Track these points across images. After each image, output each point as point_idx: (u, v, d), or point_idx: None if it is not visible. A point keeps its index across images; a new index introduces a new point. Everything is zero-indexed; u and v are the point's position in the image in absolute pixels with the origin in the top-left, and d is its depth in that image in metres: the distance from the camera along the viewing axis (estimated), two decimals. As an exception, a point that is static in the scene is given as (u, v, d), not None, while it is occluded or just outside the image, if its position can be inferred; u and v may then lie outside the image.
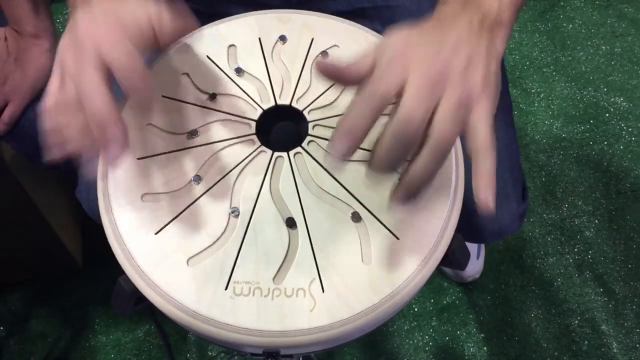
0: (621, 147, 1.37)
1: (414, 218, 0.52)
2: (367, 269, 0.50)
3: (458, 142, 0.55)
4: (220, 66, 0.58)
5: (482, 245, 1.21)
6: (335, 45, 0.59)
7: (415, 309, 1.20)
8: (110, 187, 0.53)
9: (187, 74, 0.58)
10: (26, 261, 1.18)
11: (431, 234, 0.51)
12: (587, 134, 1.40)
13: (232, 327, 0.48)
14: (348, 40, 0.59)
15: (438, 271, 1.22)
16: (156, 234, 0.51)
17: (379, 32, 0.60)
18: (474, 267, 1.18)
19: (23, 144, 0.82)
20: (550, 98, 1.45)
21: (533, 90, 1.46)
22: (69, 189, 1.18)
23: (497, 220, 0.73)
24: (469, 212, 0.72)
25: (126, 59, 0.46)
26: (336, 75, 0.47)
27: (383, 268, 0.50)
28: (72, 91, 0.46)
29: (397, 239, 0.51)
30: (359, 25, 0.60)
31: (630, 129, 1.40)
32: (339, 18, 0.61)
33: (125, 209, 0.52)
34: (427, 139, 0.43)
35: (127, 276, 0.52)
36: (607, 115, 1.42)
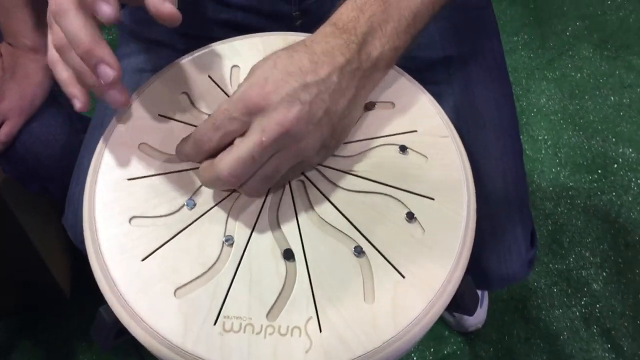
0: (630, 199, 1.34)
1: (421, 255, 0.48)
2: (369, 308, 0.46)
3: (471, 183, 0.52)
4: (222, 87, 0.55)
5: (485, 294, 1.17)
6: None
7: (414, 358, 1.14)
8: (97, 208, 0.49)
9: (186, 93, 0.55)
10: (12, 290, 1.14)
11: (439, 274, 0.47)
12: (595, 184, 1.37)
13: (220, 366, 0.44)
14: None
15: (439, 319, 1.17)
16: (143, 260, 0.47)
17: None
18: (477, 316, 1.14)
19: (16, 166, 0.79)
20: (557, 146, 1.43)
21: (540, 137, 1.44)
22: (60, 218, 1.15)
23: (505, 265, 0.69)
24: (475, 256, 0.69)
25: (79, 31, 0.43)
26: None
27: (386, 308, 0.46)
28: (60, 31, 0.44)
29: (403, 277, 0.47)
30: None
31: (639, 181, 1.37)
32: None
33: (111, 232, 0.48)
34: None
35: (108, 306, 0.48)
36: (615, 166, 1.39)
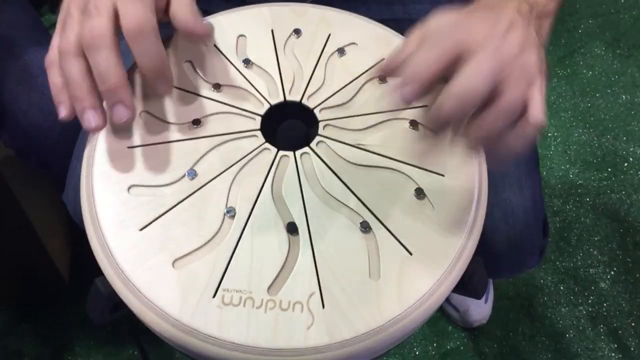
0: (640, 198, 1.32)
1: (430, 232, 0.46)
2: (374, 285, 0.44)
3: (482, 159, 0.50)
4: (227, 56, 0.53)
5: (491, 289, 1.15)
6: (353, 43, 0.54)
7: (417, 352, 1.13)
8: (95, 177, 0.48)
9: (191, 62, 0.53)
10: (10, 273, 1.12)
11: (448, 252, 0.46)
12: (605, 182, 1.34)
13: (217, 340, 0.42)
14: (368, 39, 0.55)
15: (442, 313, 1.16)
16: (141, 230, 0.45)
17: (399, 16, 0.57)
18: (482, 311, 1.12)
19: (15, 137, 0.78)
20: (567, 143, 1.41)
21: (550, 134, 1.42)
22: (61, 200, 1.14)
23: (516, 252, 0.68)
24: (486, 242, 0.67)
25: (142, 14, 0.43)
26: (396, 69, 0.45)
27: (392, 285, 0.44)
28: (72, 36, 0.44)
29: (410, 254, 0.45)
30: (382, 25, 0.56)
31: (649, 181, 1.35)
32: (359, 15, 0.56)
33: (109, 200, 0.46)
34: (492, 102, 0.42)
35: (104, 277, 0.46)
36: (625, 164, 1.37)
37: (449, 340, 1.14)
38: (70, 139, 0.71)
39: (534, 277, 1.21)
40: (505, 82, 0.41)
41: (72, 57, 0.43)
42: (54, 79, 0.45)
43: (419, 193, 0.47)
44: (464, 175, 0.48)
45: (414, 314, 0.43)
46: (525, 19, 0.45)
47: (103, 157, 0.48)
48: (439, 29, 0.44)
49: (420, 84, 0.42)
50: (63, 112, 0.45)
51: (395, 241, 0.46)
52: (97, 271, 0.48)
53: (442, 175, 0.48)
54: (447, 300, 1.13)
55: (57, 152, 0.79)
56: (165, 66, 0.46)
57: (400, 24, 0.58)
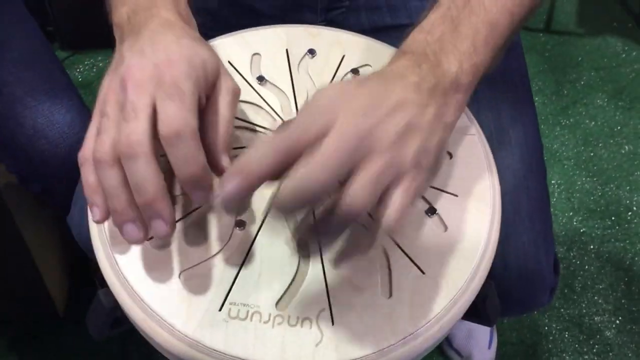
0: (644, 248, 1.31)
1: (443, 252, 0.45)
2: (386, 303, 0.43)
3: (496, 181, 0.50)
4: (242, 72, 0.53)
5: (495, 335, 1.12)
6: (367, 65, 0.54)
7: (418, 398, 1.09)
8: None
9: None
10: (4, 302, 1.10)
11: (462, 272, 0.45)
12: (609, 231, 1.33)
13: (223, 354, 0.41)
14: (381, 60, 0.54)
15: (445, 358, 1.13)
16: (148, 240, 0.44)
17: (387, 23, 0.57)
18: (485, 357, 1.09)
19: (18, 163, 0.77)
20: (570, 191, 1.40)
21: (553, 181, 1.42)
22: (62, 229, 1.12)
23: (527, 289, 0.66)
24: (496, 276, 0.66)
25: (181, 117, 0.38)
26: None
27: (404, 304, 0.43)
28: (108, 142, 0.39)
29: (423, 273, 0.44)
30: (393, 46, 0.56)
31: (653, 230, 1.34)
32: (372, 38, 0.56)
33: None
34: (337, 203, 0.37)
35: (107, 289, 0.45)
36: (629, 214, 1.36)
37: (451, 386, 1.11)
38: (74, 164, 0.70)
39: (538, 324, 1.18)
40: (358, 176, 0.36)
41: (109, 168, 0.39)
42: (88, 177, 0.41)
43: (432, 212, 0.47)
44: (477, 195, 0.48)
45: (426, 333, 0.42)
46: (425, 98, 0.40)
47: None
48: (314, 105, 0.38)
49: (244, 183, 0.37)
50: (97, 216, 0.41)
51: (408, 260, 0.45)
52: (100, 285, 0.46)
53: (456, 196, 0.48)
54: (450, 344, 1.11)
55: (61, 178, 0.78)
56: (205, 175, 0.40)
57: (405, 30, 0.57)
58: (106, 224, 0.45)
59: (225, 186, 0.37)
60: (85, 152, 0.41)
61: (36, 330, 1.15)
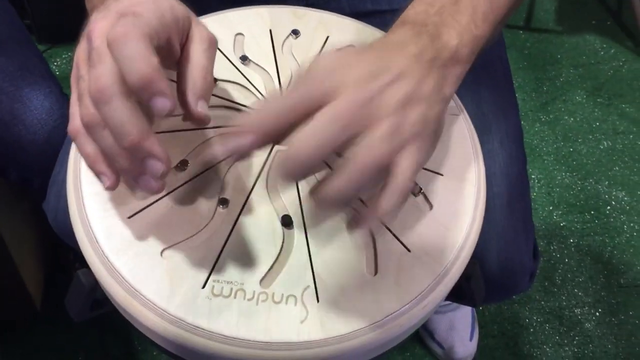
0: (623, 241, 1.32)
1: (429, 230, 0.45)
2: (371, 280, 0.43)
3: (481, 161, 0.50)
4: (224, 52, 0.52)
5: (476, 327, 1.13)
6: (351, 45, 0.54)
7: (400, 391, 1.09)
8: (83, 164, 0.46)
9: None
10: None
11: (447, 250, 0.44)
12: (588, 225, 1.34)
13: (206, 332, 0.40)
14: (365, 41, 0.54)
15: (427, 351, 1.13)
16: (129, 217, 0.43)
17: (368, 8, 0.56)
18: (467, 349, 1.09)
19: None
20: (550, 186, 1.41)
21: (533, 176, 1.43)
22: (38, 223, 1.10)
23: (507, 274, 0.66)
24: (478, 262, 0.65)
25: (129, 27, 0.36)
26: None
27: (390, 281, 0.43)
28: (92, 107, 0.38)
29: (408, 250, 0.44)
30: (378, 29, 0.56)
31: (632, 224, 1.35)
32: (356, 20, 0.56)
33: (96, 188, 0.44)
34: (346, 161, 0.36)
35: (87, 269, 0.44)
36: (608, 208, 1.38)
37: (433, 378, 1.11)
38: (52, 151, 0.69)
39: (519, 316, 1.19)
40: (364, 140, 0.36)
41: (101, 128, 0.37)
42: (86, 149, 0.39)
43: (416, 191, 0.46)
44: (462, 174, 0.48)
45: (412, 310, 0.42)
46: (425, 69, 0.40)
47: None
48: (314, 72, 0.38)
49: (257, 135, 0.36)
50: (107, 183, 0.39)
51: (394, 238, 0.44)
52: (79, 265, 0.46)
53: (441, 175, 0.47)
54: (432, 337, 1.11)
55: (39, 165, 0.77)
56: (159, 77, 0.36)
57: (386, 16, 0.57)
58: (86, 198, 0.44)
59: (230, 139, 0.36)
60: (75, 123, 0.40)
61: (13, 325, 1.13)
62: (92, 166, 0.40)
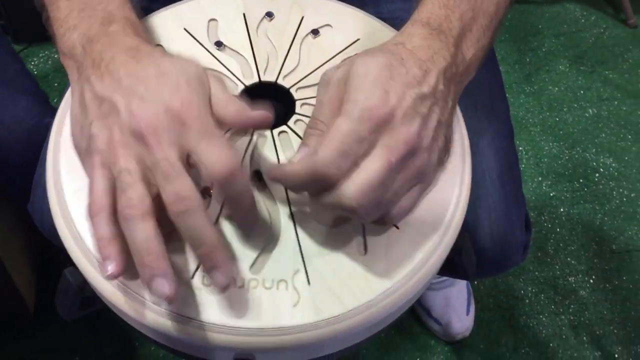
0: (613, 207, 1.33)
1: (417, 207, 0.44)
2: (361, 260, 0.42)
3: (465, 134, 0.49)
4: (199, 39, 0.52)
5: (472, 301, 1.13)
6: (327, 25, 0.53)
7: (400, 369, 1.10)
8: (62, 162, 0.45)
9: (161, 45, 0.51)
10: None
11: (436, 225, 0.44)
12: (578, 193, 1.35)
13: (197, 322, 0.39)
14: (342, 20, 0.54)
15: (424, 328, 1.13)
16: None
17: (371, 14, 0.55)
18: (463, 323, 1.09)
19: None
20: (538, 156, 1.41)
21: (521, 148, 1.43)
22: (28, 223, 1.09)
23: (500, 247, 0.66)
24: (470, 237, 0.65)
25: (226, 154, 0.37)
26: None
27: (380, 259, 0.42)
28: (137, 198, 0.37)
29: (397, 228, 0.44)
30: (354, 7, 0.55)
31: (621, 190, 1.36)
32: None
33: (77, 185, 0.44)
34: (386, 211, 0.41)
35: (74, 267, 0.44)
36: (597, 175, 1.38)
37: (432, 354, 1.11)
38: (35, 151, 0.68)
39: (513, 288, 1.19)
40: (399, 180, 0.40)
41: (140, 221, 0.37)
42: (102, 230, 0.38)
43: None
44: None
45: (404, 286, 0.42)
46: (446, 88, 0.42)
47: (70, 143, 0.45)
48: (361, 103, 0.39)
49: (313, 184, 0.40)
50: (113, 269, 0.37)
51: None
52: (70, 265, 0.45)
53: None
54: (429, 313, 1.11)
55: (21, 166, 0.76)
56: (255, 206, 0.41)
57: (387, 23, 0.57)
58: (68, 196, 0.43)
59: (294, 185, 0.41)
60: (96, 206, 0.38)
61: (6, 327, 1.12)
62: (103, 248, 0.38)
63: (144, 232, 0.37)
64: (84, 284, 0.44)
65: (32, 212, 0.67)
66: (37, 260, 1.16)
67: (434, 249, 0.43)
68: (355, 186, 0.38)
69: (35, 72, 1.48)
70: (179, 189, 0.37)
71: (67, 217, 0.42)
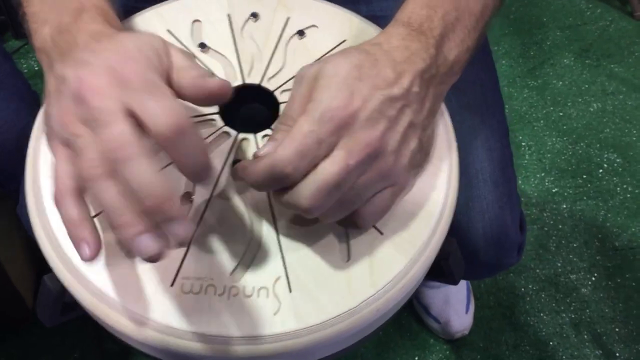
0: (617, 204, 1.31)
1: (401, 212, 0.44)
2: (344, 267, 0.42)
3: (453, 140, 0.48)
4: (182, 40, 0.51)
5: (471, 299, 1.12)
6: (313, 26, 0.52)
7: (399, 368, 1.09)
8: (41, 165, 0.45)
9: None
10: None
11: (421, 232, 0.43)
12: (581, 189, 1.33)
13: (177, 330, 0.39)
14: (328, 21, 0.53)
15: (423, 326, 1.12)
16: (92, 217, 0.42)
17: (362, 14, 0.54)
18: (463, 322, 1.09)
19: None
20: (541, 152, 1.40)
21: (523, 144, 1.41)
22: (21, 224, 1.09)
23: (494, 249, 0.65)
24: (463, 239, 0.64)
25: (173, 109, 0.34)
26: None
27: (363, 266, 0.42)
28: (94, 154, 0.34)
29: (381, 234, 0.43)
30: (341, 7, 0.54)
31: (625, 186, 1.34)
32: None
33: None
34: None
35: (53, 274, 0.43)
36: (600, 171, 1.36)
37: (430, 353, 1.10)
38: (24, 151, 0.68)
39: (514, 285, 1.18)
40: (363, 179, 0.39)
41: (104, 180, 0.33)
42: (70, 212, 0.35)
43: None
44: (435, 154, 0.46)
45: (388, 294, 0.41)
46: (424, 90, 0.41)
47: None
48: (326, 101, 0.38)
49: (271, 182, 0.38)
50: (88, 251, 0.35)
51: (365, 221, 0.43)
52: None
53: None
54: (428, 312, 1.10)
55: (9, 167, 0.75)
56: (209, 161, 0.35)
57: (379, 22, 0.56)
58: (45, 199, 0.43)
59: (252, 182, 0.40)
60: (60, 187, 0.36)
61: (6, 326, 1.12)
62: (74, 232, 0.35)
63: (111, 191, 0.33)
64: (63, 290, 0.44)
65: (21, 215, 0.67)
66: (37, 260, 1.16)
67: (419, 255, 0.42)
68: (309, 187, 0.37)
69: (36, 68, 1.48)
70: (113, 135, 0.33)
71: (44, 222, 0.42)
